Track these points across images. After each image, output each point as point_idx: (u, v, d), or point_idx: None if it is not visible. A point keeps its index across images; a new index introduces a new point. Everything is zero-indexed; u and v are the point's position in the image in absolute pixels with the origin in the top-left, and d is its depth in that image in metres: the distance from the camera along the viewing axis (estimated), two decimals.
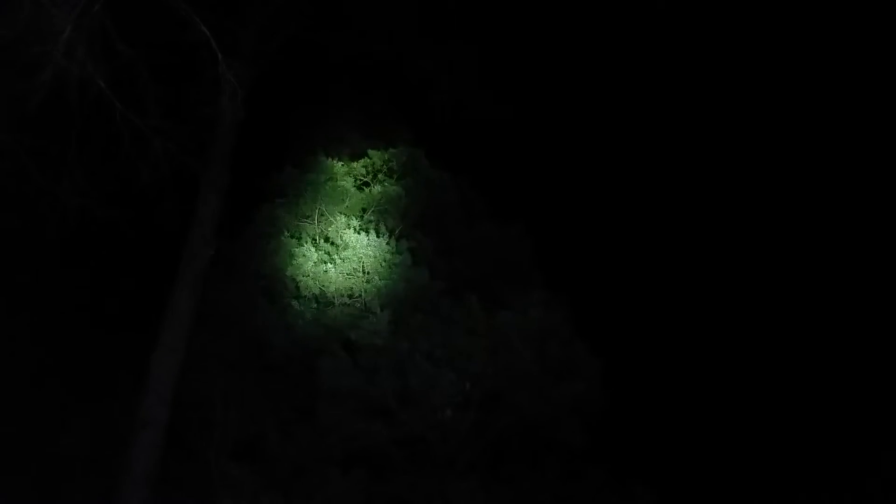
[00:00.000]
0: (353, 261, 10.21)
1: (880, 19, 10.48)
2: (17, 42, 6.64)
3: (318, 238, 10.50)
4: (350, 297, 9.99)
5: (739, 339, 10.03)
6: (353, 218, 10.61)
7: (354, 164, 11.22)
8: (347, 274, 10.13)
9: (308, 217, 10.61)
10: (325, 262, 10.25)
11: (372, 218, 10.67)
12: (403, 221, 10.67)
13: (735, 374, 9.71)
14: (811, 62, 10.94)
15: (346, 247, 10.31)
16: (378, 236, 10.25)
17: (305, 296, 10.05)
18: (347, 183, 10.97)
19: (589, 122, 11.86)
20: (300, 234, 10.51)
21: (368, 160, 11.31)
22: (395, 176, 11.23)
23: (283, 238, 10.43)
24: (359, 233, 10.41)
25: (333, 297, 10.03)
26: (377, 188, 11.00)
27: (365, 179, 11.17)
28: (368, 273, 10.09)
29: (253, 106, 10.02)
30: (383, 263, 10.13)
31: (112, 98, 7.91)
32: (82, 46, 7.28)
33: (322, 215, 10.60)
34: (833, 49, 10.83)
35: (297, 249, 10.33)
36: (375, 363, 8.93)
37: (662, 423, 9.28)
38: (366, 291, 10.02)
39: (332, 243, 10.42)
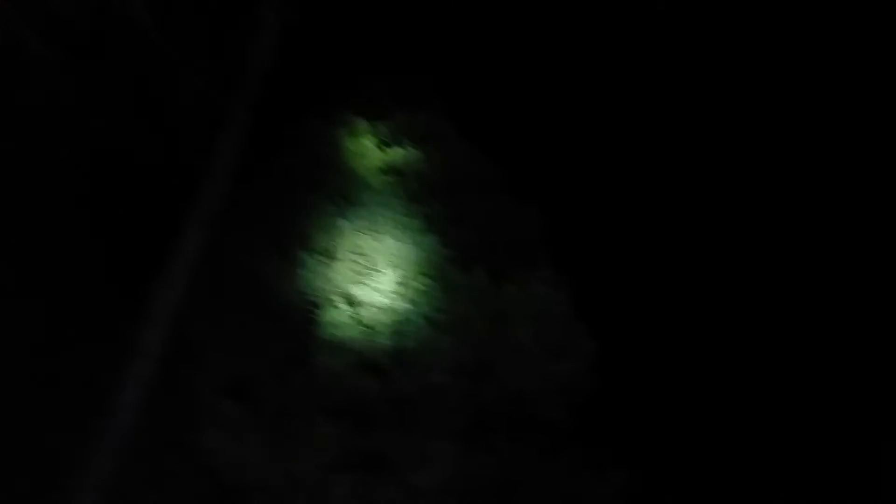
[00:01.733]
0: (366, 218, 10.28)
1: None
2: None
3: (332, 193, 10.56)
4: (358, 253, 10.04)
5: (733, 338, 10.06)
6: (371, 176, 10.67)
7: (379, 124, 11.27)
8: (358, 231, 10.20)
9: (325, 171, 10.67)
10: (338, 217, 10.32)
11: (389, 179, 10.72)
12: (420, 186, 10.71)
13: (725, 373, 9.75)
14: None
15: (360, 204, 10.37)
16: (394, 197, 10.28)
17: (313, 248, 10.13)
18: (369, 141, 11.02)
19: (611, 114, 11.85)
20: (315, 186, 10.57)
21: (392, 122, 11.35)
22: (416, 141, 11.27)
23: (298, 189, 10.50)
24: (375, 192, 10.48)
25: (341, 253, 10.10)
26: (398, 150, 11.04)
27: (386, 140, 11.21)
28: (379, 232, 10.14)
29: (286, 55, 10.06)
30: (395, 224, 10.18)
31: (150, 26, 8.00)
32: None
33: (339, 170, 10.67)
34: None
35: (310, 202, 10.40)
36: (375, 320, 9.00)
37: (645, 411, 9.34)
38: (374, 250, 10.08)
39: (347, 199, 10.48)
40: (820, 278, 10.32)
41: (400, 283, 9.69)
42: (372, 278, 9.76)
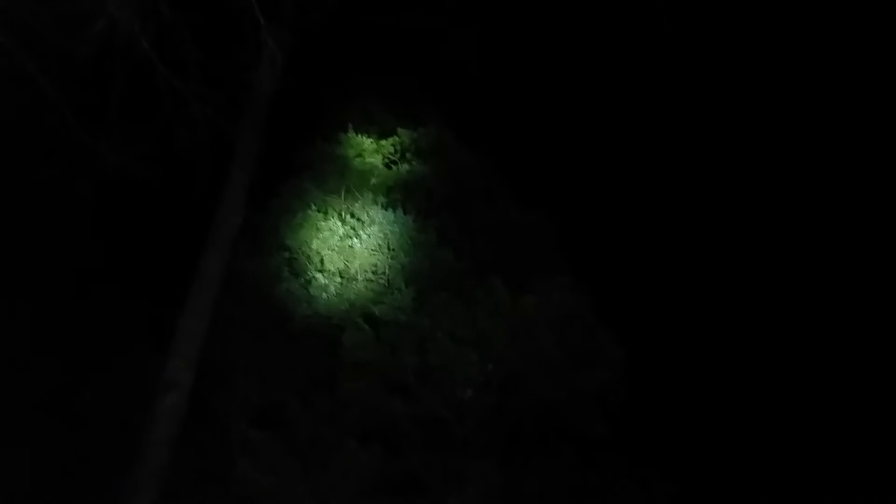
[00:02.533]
0: (379, 237, 10.25)
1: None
2: None
3: (344, 213, 10.53)
4: (374, 272, 10.02)
5: (765, 333, 10.00)
6: (380, 195, 10.65)
7: (383, 142, 11.26)
8: (372, 250, 10.17)
9: (335, 192, 10.64)
10: (351, 237, 10.29)
11: (398, 196, 10.71)
12: (430, 201, 10.71)
13: (760, 368, 9.69)
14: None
15: (371, 223, 10.35)
16: (404, 213, 10.28)
17: (330, 269, 10.10)
18: (376, 160, 11.02)
19: (616, 112, 11.87)
20: (327, 208, 10.55)
21: (397, 139, 11.35)
22: (423, 156, 11.27)
23: (309, 212, 10.47)
24: (385, 209, 10.46)
25: (357, 273, 10.07)
26: (405, 167, 11.05)
27: (393, 158, 11.21)
28: (393, 250, 10.13)
29: (288, 77, 10.05)
30: (408, 241, 10.16)
31: (155, 59, 7.96)
32: (131, 6, 7.33)
33: (349, 191, 10.65)
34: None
35: (323, 223, 10.38)
36: (397, 339, 8.97)
37: (683, 416, 9.25)
38: (390, 268, 10.06)
39: (358, 219, 10.45)
40: (838, 279, 10.30)
41: (418, 300, 9.66)
42: (390, 296, 9.73)
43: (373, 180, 10.84)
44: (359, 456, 7.99)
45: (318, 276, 9.93)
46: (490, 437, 8.37)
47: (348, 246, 10.25)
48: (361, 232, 10.33)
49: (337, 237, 10.28)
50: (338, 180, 10.68)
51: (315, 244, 10.19)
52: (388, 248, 10.24)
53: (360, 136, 11.23)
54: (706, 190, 11.10)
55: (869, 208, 10.60)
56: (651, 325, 9.64)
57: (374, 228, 10.34)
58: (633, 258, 10.63)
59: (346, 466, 7.95)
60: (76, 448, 8.26)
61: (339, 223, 10.40)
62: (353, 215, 10.48)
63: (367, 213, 10.49)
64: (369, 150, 11.17)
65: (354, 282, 9.96)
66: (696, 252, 10.62)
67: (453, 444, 8.28)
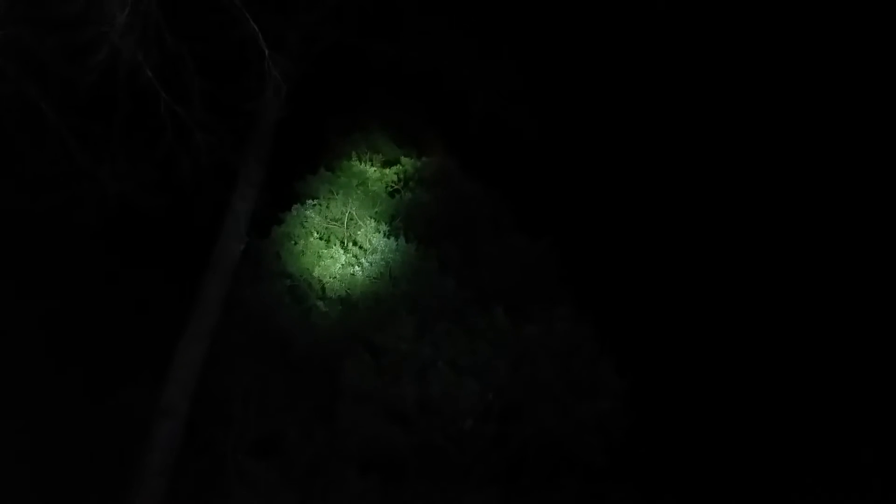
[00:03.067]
0: (381, 265, 10.23)
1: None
2: (75, 21, 6.75)
3: (346, 241, 10.54)
4: (376, 301, 9.98)
5: (768, 360, 9.90)
6: (383, 223, 10.66)
7: (387, 171, 11.30)
8: (374, 278, 10.15)
9: (338, 220, 10.66)
10: (353, 265, 10.28)
11: (401, 224, 10.72)
12: (432, 229, 10.70)
13: (763, 396, 9.59)
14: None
15: (374, 251, 10.34)
16: (407, 242, 10.27)
17: (331, 297, 10.07)
18: (379, 188, 11.04)
19: (619, 141, 11.87)
20: (329, 236, 10.56)
21: (401, 167, 11.40)
22: (426, 185, 11.29)
23: (312, 239, 10.48)
24: (388, 237, 10.46)
25: (359, 301, 10.03)
26: (408, 195, 11.06)
27: (396, 186, 11.24)
28: (395, 278, 10.10)
29: (292, 107, 10.11)
30: (410, 269, 10.14)
31: (158, 88, 8.02)
32: (133, 35, 7.40)
33: (352, 219, 10.66)
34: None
35: (325, 251, 10.38)
36: (398, 368, 8.89)
37: (685, 446, 9.14)
38: (392, 296, 10.01)
39: (361, 247, 10.46)
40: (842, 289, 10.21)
41: (420, 328, 9.59)
42: (391, 325, 9.66)
43: (376, 209, 10.84)
44: (358, 486, 7.87)
45: (319, 303, 9.90)
46: (490, 467, 8.26)
47: (350, 274, 10.23)
48: (363, 260, 10.32)
49: (339, 265, 10.27)
50: (341, 208, 10.69)
51: (317, 272, 10.18)
52: (390, 277, 10.21)
53: (363, 164, 11.27)
54: (709, 223, 11.06)
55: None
56: (652, 356, 9.59)
57: (377, 256, 10.33)
58: (634, 289, 10.59)
59: (344, 497, 7.84)
60: (73, 476, 8.16)
61: (342, 251, 10.40)
62: (355, 243, 10.48)
63: (370, 241, 10.49)
64: (372, 179, 11.19)
65: (356, 310, 9.92)
66: (698, 283, 10.58)
67: (453, 474, 8.16)
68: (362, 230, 10.44)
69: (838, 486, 8.85)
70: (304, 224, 10.52)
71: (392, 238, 10.50)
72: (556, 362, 8.98)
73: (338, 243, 10.42)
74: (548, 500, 8.11)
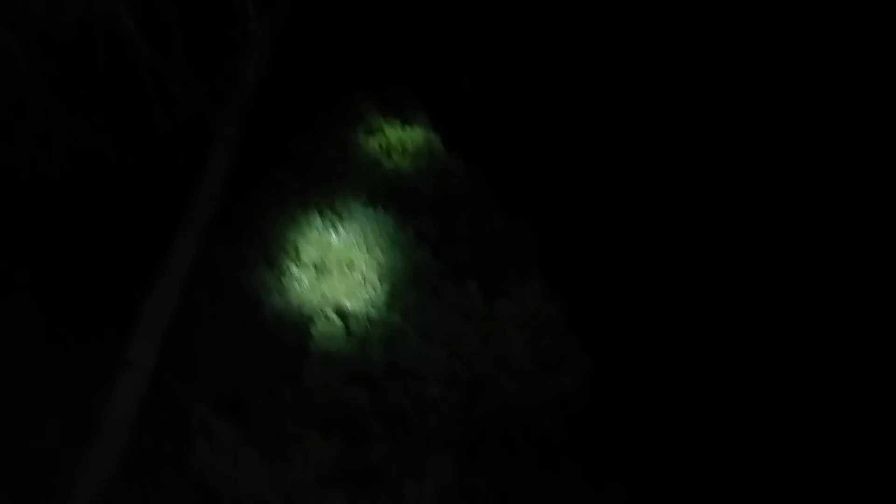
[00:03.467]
0: (357, 233, 10.23)
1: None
2: None
3: (323, 207, 10.52)
4: (350, 267, 9.98)
5: (739, 352, 10.08)
6: (362, 192, 10.64)
7: (369, 139, 11.27)
8: (350, 245, 10.15)
9: (316, 186, 10.63)
10: (329, 231, 10.27)
11: (380, 194, 10.70)
12: (411, 201, 10.69)
13: (723, 384, 9.76)
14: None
15: (351, 218, 10.33)
16: (385, 212, 10.27)
17: (305, 262, 10.06)
18: (360, 156, 11.01)
19: (601, 124, 11.91)
20: (306, 201, 10.53)
21: (384, 137, 11.35)
22: (408, 156, 11.27)
23: (289, 203, 10.46)
24: (366, 206, 10.45)
25: (333, 266, 10.04)
26: (389, 165, 11.04)
27: (377, 155, 11.20)
28: (371, 247, 10.10)
29: (275, 68, 10.06)
30: (386, 239, 10.15)
31: (138, 39, 7.97)
32: None
33: (330, 185, 10.64)
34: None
35: (301, 216, 10.35)
36: (367, 333, 8.95)
37: (643, 426, 9.34)
38: (366, 264, 10.03)
39: (338, 214, 10.45)
40: (817, 287, 10.34)
41: (392, 297, 9.64)
42: (363, 292, 9.69)
43: (355, 177, 10.82)
44: (319, 445, 7.96)
45: (293, 267, 9.90)
46: (452, 434, 8.35)
47: (326, 240, 10.22)
48: (340, 227, 10.31)
49: (315, 230, 10.26)
50: (319, 174, 10.67)
51: (292, 236, 10.17)
52: (366, 245, 10.22)
53: (345, 131, 11.23)
54: (686, 204, 11.14)
55: (862, 212, 10.62)
56: (619, 338, 9.72)
57: (353, 224, 10.32)
58: (608, 271, 10.71)
59: (306, 455, 7.92)
60: (33, 426, 8.17)
61: (319, 216, 10.39)
62: (332, 210, 10.46)
63: (348, 208, 10.48)
64: (353, 147, 11.16)
65: (329, 275, 9.92)
66: (672, 274, 10.71)
67: (415, 439, 8.25)
68: (340, 196, 10.43)
69: (803, 469, 9.07)
70: (282, 188, 10.49)
71: (370, 207, 10.50)
72: (526, 337, 9.05)
73: (315, 209, 10.40)
74: (504, 465, 8.24)
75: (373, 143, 11.30)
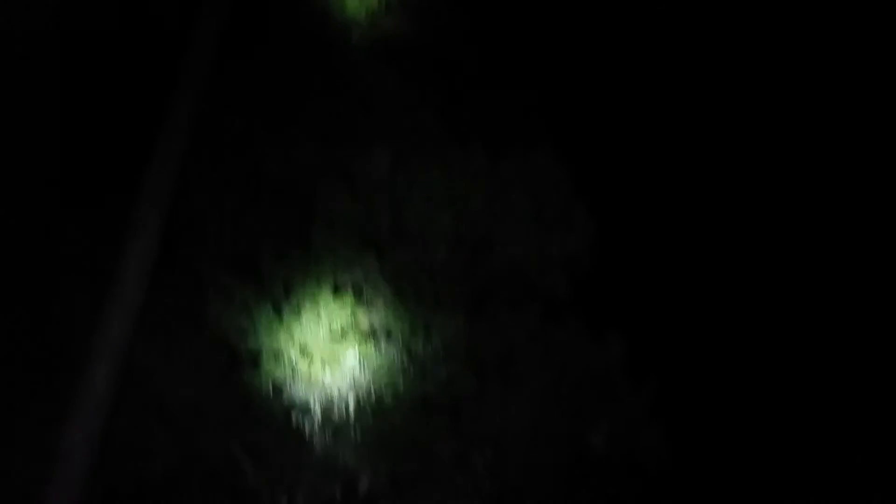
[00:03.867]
0: (359, 96, 10.02)
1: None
2: None
3: (325, 70, 10.24)
4: (353, 130, 9.86)
5: (735, 217, 10.18)
6: (362, 48, 10.33)
7: None
8: (351, 106, 9.97)
9: (317, 44, 10.29)
10: (329, 96, 10.05)
11: (382, 50, 10.40)
12: (416, 59, 10.42)
13: (727, 248, 9.95)
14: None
15: (353, 79, 10.09)
16: (388, 69, 10.02)
17: (307, 124, 9.91)
18: (359, 9, 10.59)
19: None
20: (306, 61, 10.23)
21: None
22: (411, 11, 10.82)
23: (289, 64, 10.15)
24: (367, 67, 10.17)
25: (336, 131, 9.90)
26: (392, 20, 10.63)
27: (379, 10, 10.77)
28: (375, 107, 9.93)
29: None
30: (390, 99, 9.96)
31: None
32: None
33: (332, 43, 10.31)
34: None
35: (302, 78, 10.09)
36: (373, 196, 8.96)
37: (644, 285, 9.57)
38: (368, 128, 9.89)
39: (339, 73, 10.18)
40: None
41: (395, 160, 9.57)
42: (368, 156, 9.61)
43: (356, 32, 10.47)
44: (331, 303, 8.17)
45: (296, 131, 9.75)
46: (458, 293, 8.56)
47: (327, 104, 10.02)
48: (340, 90, 10.07)
49: (314, 94, 10.03)
50: (320, 29, 10.30)
51: (294, 98, 9.94)
52: (368, 105, 10.03)
53: None
54: (698, 72, 10.92)
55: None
56: (624, 201, 9.80)
57: (355, 88, 10.09)
58: (614, 133, 10.61)
59: (319, 312, 8.15)
60: (46, 284, 8.32)
61: (319, 81, 10.12)
62: (333, 68, 10.19)
63: (350, 67, 10.20)
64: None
65: (332, 139, 9.80)
66: (676, 128, 10.61)
67: (423, 299, 8.46)
68: (341, 54, 10.12)
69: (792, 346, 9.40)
70: (282, 46, 10.15)
71: (372, 69, 10.22)
72: (531, 198, 9.08)
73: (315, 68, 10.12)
74: (509, 321, 8.49)
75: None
